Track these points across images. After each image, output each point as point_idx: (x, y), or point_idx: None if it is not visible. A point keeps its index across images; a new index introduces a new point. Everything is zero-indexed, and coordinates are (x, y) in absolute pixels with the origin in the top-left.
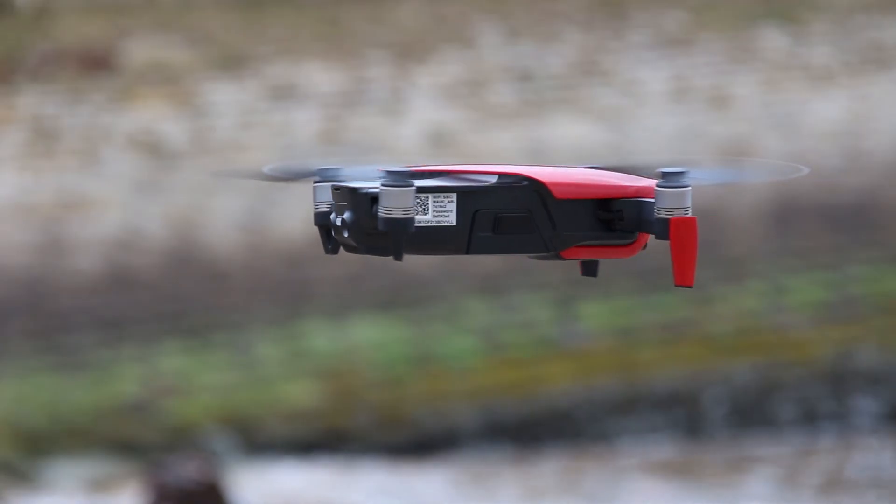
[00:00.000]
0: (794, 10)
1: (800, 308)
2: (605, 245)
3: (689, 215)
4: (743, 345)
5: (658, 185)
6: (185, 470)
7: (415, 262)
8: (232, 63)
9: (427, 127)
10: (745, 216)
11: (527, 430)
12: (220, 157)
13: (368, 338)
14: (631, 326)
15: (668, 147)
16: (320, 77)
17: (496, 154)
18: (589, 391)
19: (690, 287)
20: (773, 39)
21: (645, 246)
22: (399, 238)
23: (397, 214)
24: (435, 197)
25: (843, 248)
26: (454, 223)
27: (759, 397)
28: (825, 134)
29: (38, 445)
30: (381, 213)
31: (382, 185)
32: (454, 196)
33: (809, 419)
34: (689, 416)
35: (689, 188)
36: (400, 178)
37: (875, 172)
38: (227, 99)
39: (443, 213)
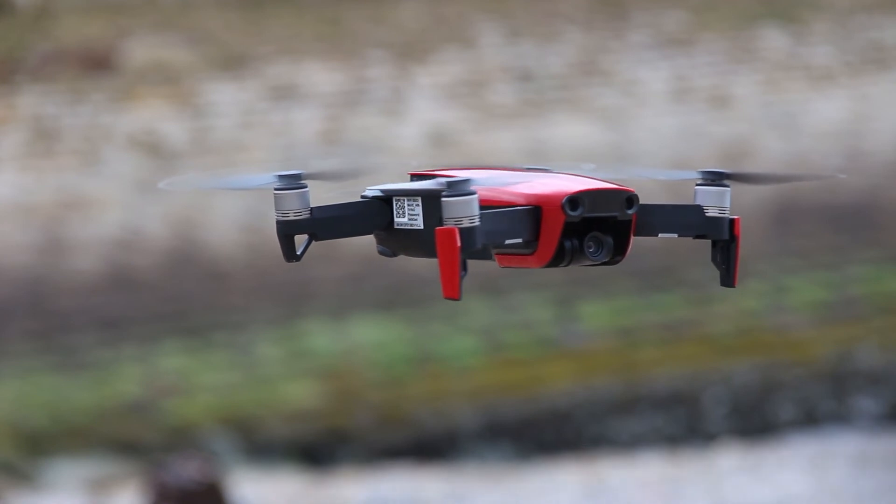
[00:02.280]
0: (794, 10)
1: (800, 308)
2: (513, 253)
3: (449, 226)
4: (743, 345)
5: (443, 195)
6: (185, 470)
7: (415, 263)
8: (232, 63)
9: (427, 127)
10: (745, 216)
11: (527, 431)
12: (220, 157)
13: (368, 338)
14: (631, 326)
15: (668, 147)
16: (321, 77)
17: (496, 154)
18: (589, 391)
19: (456, 300)
20: (773, 39)
21: (554, 260)
22: (291, 240)
23: (291, 217)
24: (408, 200)
25: (843, 248)
26: (422, 227)
27: (759, 397)
28: (825, 134)
29: (39, 445)
30: (277, 216)
31: (276, 189)
32: (419, 200)
33: (810, 419)
34: (690, 416)
35: (475, 196)
36: (293, 182)
37: (875, 172)
38: (227, 99)
39: (412, 216)
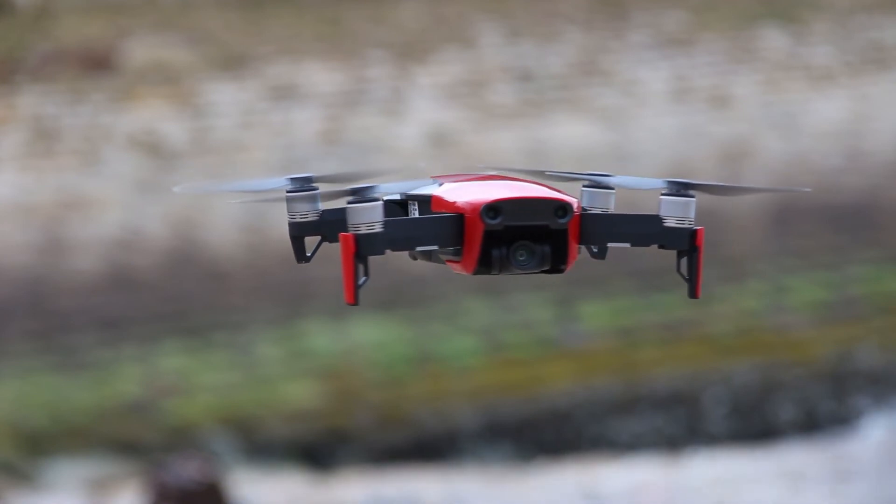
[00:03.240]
0: (794, 10)
1: (800, 308)
2: (450, 259)
3: (348, 233)
4: (743, 345)
5: (347, 203)
6: (185, 470)
7: (415, 262)
8: (232, 63)
9: (427, 127)
10: (745, 216)
11: (527, 431)
12: (220, 157)
13: (368, 338)
14: (631, 326)
15: (668, 147)
16: (321, 77)
17: (496, 154)
18: (589, 391)
19: (353, 305)
20: (773, 39)
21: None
22: (301, 241)
23: (299, 219)
24: (412, 204)
25: (843, 248)
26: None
27: (759, 397)
28: (825, 134)
29: (39, 445)
30: (289, 217)
31: (287, 191)
32: (417, 204)
33: (810, 419)
34: (690, 416)
35: (377, 203)
36: (305, 184)
37: (875, 172)
38: (227, 99)
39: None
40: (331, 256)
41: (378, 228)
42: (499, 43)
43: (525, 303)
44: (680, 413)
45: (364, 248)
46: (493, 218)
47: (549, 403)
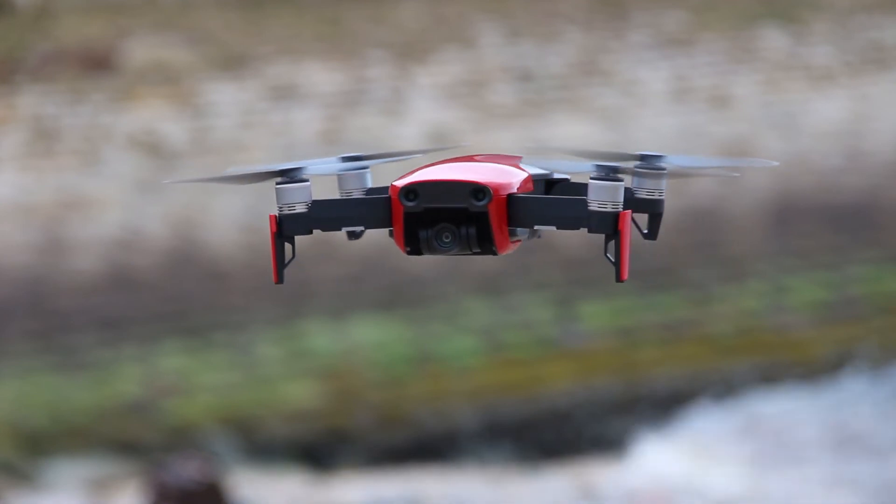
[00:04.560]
0: (794, 10)
1: (800, 308)
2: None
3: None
4: (743, 345)
5: (276, 184)
6: (185, 470)
7: (415, 262)
8: (232, 63)
9: (427, 127)
10: (745, 216)
11: (527, 431)
12: (220, 157)
13: (368, 338)
14: (631, 326)
15: (668, 147)
16: (321, 77)
17: None
18: (589, 391)
19: (277, 284)
20: (773, 39)
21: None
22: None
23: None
24: None
25: (843, 248)
26: None
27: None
28: (825, 134)
29: (39, 445)
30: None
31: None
32: None
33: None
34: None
35: (305, 184)
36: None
37: (875, 172)
38: (227, 99)
39: None
40: (331, 256)
41: (301, 209)
42: (499, 43)
43: (525, 303)
44: (680, 413)
45: (287, 227)
46: (411, 200)
47: (549, 403)
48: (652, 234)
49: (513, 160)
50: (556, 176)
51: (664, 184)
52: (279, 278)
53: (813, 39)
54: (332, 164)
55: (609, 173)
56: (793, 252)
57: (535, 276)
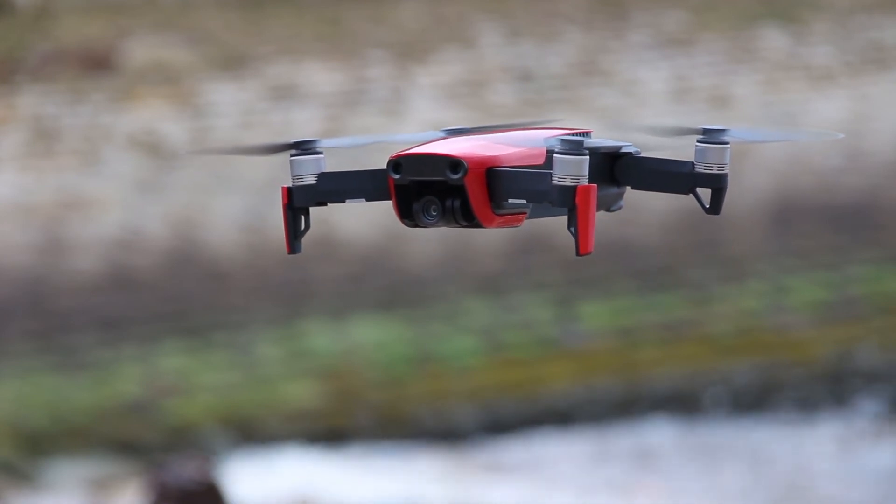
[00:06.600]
0: (794, 10)
1: (800, 308)
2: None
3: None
4: (743, 345)
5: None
6: (185, 470)
7: (415, 262)
8: (232, 63)
9: (427, 127)
10: (745, 216)
11: (527, 431)
12: (220, 157)
13: (368, 338)
14: (631, 326)
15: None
16: (321, 77)
17: None
18: (589, 391)
19: (290, 254)
20: (773, 39)
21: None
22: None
23: (309, 181)
24: None
25: (843, 248)
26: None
27: (759, 397)
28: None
29: (39, 445)
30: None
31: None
32: None
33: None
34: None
35: (318, 157)
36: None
37: (875, 172)
38: (227, 99)
39: None
40: (330, 255)
41: (310, 181)
42: (499, 43)
43: (525, 303)
44: (680, 413)
45: (297, 198)
46: (397, 172)
47: (549, 403)
48: (714, 208)
49: (562, 132)
50: (625, 149)
51: (727, 157)
52: (292, 248)
53: (813, 39)
54: (352, 139)
55: (575, 147)
56: (793, 252)
57: (535, 276)
